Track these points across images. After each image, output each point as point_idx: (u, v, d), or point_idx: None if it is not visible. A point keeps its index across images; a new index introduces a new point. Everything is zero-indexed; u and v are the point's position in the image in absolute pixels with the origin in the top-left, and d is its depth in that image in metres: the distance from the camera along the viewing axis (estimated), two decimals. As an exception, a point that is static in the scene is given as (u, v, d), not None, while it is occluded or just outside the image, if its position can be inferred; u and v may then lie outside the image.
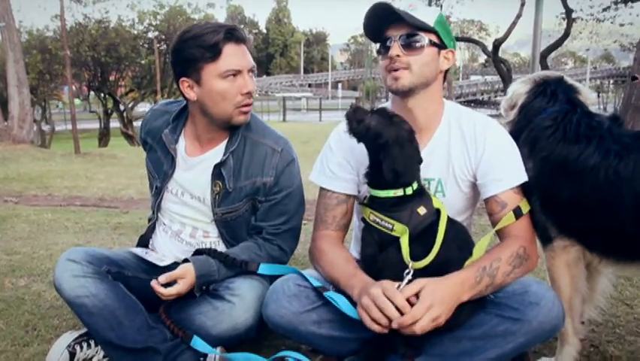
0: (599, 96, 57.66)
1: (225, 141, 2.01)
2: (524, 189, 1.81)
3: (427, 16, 1.74)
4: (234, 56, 1.86)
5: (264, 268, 1.94)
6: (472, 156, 1.80)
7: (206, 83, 1.87)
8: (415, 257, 1.59)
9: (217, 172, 1.99)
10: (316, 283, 1.71)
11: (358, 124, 1.64)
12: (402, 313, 1.47)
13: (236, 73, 1.87)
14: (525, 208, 1.75)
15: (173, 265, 2.04)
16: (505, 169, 1.77)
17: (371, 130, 1.62)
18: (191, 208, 2.07)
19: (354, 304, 1.61)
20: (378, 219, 1.65)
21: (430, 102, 1.81)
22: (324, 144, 1.96)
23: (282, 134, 2.08)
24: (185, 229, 2.10)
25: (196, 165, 2.04)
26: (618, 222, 1.75)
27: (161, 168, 2.08)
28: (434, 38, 1.75)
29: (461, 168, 1.81)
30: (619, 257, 1.87)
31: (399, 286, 1.52)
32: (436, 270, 1.56)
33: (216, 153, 2.02)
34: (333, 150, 1.90)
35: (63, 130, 24.51)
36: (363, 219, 1.72)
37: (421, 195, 1.68)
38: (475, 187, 1.84)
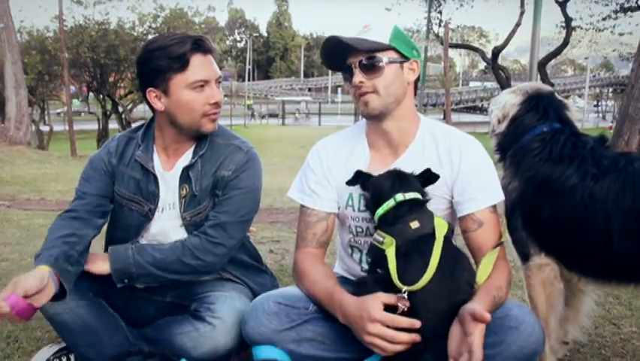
0: (598, 105, 57.82)
1: (192, 148, 1.97)
2: (508, 208, 1.79)
3: (381, 34, 1.72)
4: (202, 66, 1.85)
5: None
6: (447, 173, 1.77)
7: (174, 94, 1.85)
8: (406, 277, 1.53)
9: (185, 175, 1.95)
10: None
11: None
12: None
13: (204, 83, 1.85)
14: (502, 237, 1.73)
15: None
16: (482, 187, 1.74)
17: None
18: (165, 221, 1.99)
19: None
20: (376, 235, 1.64)
21: (404, 118, 1.80)
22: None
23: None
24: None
25: (170, 178, 1.98)
26: (592, 242, 1.78)
27: (147, 190, 1.98)
28: (393, 55, 1.73)
29: (436, 185, 1.76)
30: (596, 276, 1.90)
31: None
32: (435, 298, 1.51)
33: (184, 160, 1.97)
34: (313, 169, 1.89)
35: (62, 130, 24.47)
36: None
37: (420, 210, 1.65)
38: (451, 204, 1.80)
